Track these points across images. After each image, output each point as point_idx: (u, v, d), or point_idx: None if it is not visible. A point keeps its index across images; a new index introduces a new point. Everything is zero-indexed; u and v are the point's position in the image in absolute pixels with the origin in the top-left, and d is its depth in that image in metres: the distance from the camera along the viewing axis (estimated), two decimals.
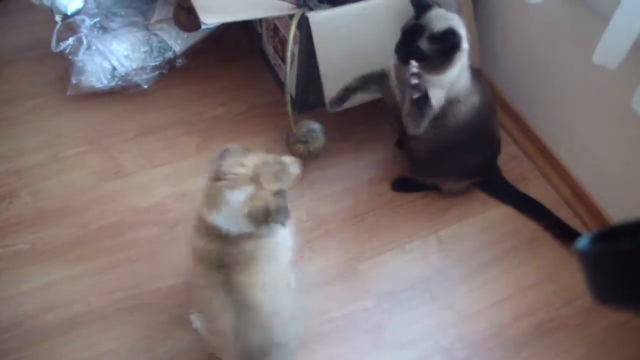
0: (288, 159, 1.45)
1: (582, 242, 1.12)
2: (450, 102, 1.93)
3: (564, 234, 2.16)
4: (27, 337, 1.82)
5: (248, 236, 1.40)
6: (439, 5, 1.89)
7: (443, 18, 1.83)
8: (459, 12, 2.14)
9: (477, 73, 2.04)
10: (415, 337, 1.91)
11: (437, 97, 1.90)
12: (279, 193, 1.37)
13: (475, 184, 2.25)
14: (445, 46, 1.80)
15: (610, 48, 1.73)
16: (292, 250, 1.57)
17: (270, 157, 1.42)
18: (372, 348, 1.88)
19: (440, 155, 2.07)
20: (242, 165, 1.37)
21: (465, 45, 1.84)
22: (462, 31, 1.83)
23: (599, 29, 1.76)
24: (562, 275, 2.07)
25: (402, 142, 2.26)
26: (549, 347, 1.91)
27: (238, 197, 1.35)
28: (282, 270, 1.52)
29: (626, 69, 1.78)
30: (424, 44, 1.80)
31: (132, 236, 2.07)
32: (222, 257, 1.42)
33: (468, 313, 1.97)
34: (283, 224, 1.38)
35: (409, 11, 2.10)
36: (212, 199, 1.38)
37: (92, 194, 2.18)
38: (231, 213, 1.37)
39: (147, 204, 2.16)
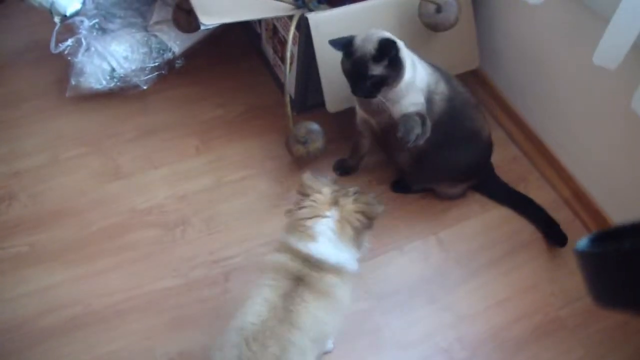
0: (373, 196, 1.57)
1: (582, 243, 1.12)
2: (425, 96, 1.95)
3: (554, 236, 2.16)
4: (26, 339, 1.82)
5: (332, 270, 1.49)
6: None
7: (369, 38, 1.83)
8: (459, 12, 2.14)
9: (437, 66, 2.04)
10: (414, 338, 1.91)
11: (417, 102, 1.91)
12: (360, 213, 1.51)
13: (472, 186, 2.25)
14: (390, 57, 1.81)
15: (610, 49, 1.73)
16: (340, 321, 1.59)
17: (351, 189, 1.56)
18: (372, 349, 1.88)
19: (427, 161, 2.07)
20: (319, 193, 1.52)
21: (401, 45, 1.85)
22: (386, 33, 1.85)
23: (599, 30, 1.76)
24: (560, 277, 2.07)
25: (390, 157, 2.26)
26: (548, 349, 1.91)
27: (327, 225, 1.49)
28: (330, 327, 1.55)
29: (626, 70, 1.78)
30: (376, 70, 1.81)
31: (131, 237, 2.07)
32: (302, 274, 1.48)
33: (467, 314, 1.97)
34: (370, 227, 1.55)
35: (407, 11, 2.11)
36: (302, 229, 1.50)
37: (91, 195, 2.18)
38: (327, 240, 1.49)
39: (146, 206, 2.16)
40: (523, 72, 2.37)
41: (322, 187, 1.56)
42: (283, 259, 1.51)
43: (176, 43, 2.51)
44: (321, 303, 1.48)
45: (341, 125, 2.29)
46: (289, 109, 2.18)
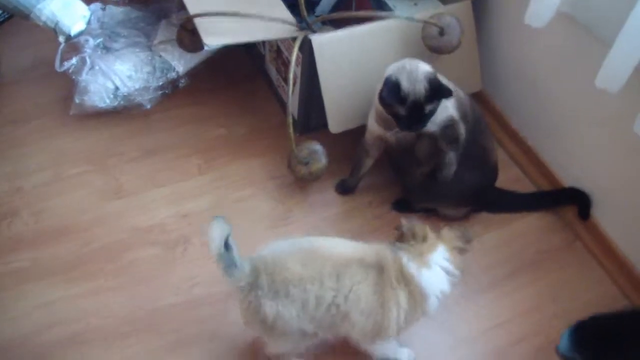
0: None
1: (563, 342, 1.13)
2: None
3: (578, 200, 2.21)
4: (26, 356, 1.82)
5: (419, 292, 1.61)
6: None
7: (413, 78, 1.85)
8: (462, 35, 2.16)
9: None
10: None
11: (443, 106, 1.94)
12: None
13: (480, 208, 2.25)
14: (438, 95, 1.85)
15: (612, 72, 1.74)
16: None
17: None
18: None
19: (435, 183, 2.08)
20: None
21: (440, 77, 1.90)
22: (421, 63, 1.89)
23: (601, 53, 1.77)
24: (562, 298, 2.07)
25: (398, 171, 2.27)
26: None
27: (442, 254, 1.63)
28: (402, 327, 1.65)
29: (628, 93, 1.79)
30: (430, 107, 1.85)
31: (133, 256, 2.07)
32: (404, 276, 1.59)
33: (467, 336, 1.96)
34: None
35: (411, 34, 2.12)
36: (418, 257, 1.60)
37: (93, 213, 2.18)
38: (437, 274, 1.62)
39: (148, 224, 2.16)
40: (525, 95, 2.38)
41: (421, 231, 1.64)
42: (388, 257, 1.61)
43: (180, 63, 2.51)
44: (370, 289, 1.58)
45: (344, 145, 2.29)
46: (291, 129, 2.18)
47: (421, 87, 1.83)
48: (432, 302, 1.63)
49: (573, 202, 2.23)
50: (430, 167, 2.05)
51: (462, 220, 2.24)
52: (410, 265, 1.59)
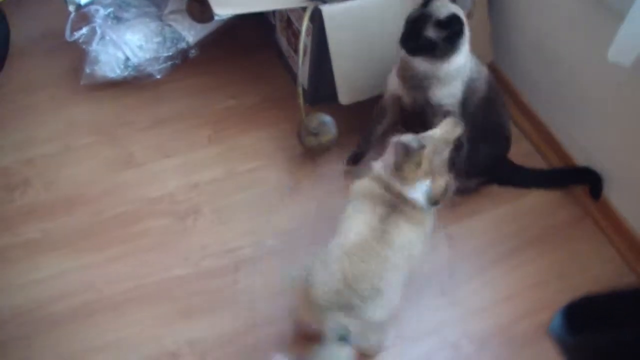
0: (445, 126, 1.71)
1: (555, 324, 1.13)
2: (469, 84, 1.96)
3: (590, 179, 2.21)
4: (37, 325, 1.84)
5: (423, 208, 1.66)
6: None
7: (445, 7, 1.84)
8: (473, 6, 2.14)
9: (478, 61, 2.04)
10: (423, 331, 1.91)
11: (455, 94, 1.93)
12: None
13: (488, 181, 2.25)
14: (451, 32, 1.82)
15: (625, 45, 1.72)
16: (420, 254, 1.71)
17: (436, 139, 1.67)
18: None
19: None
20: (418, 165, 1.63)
21: (467, 31, 1.87)
22: (464, 18, 1.85)
23: (615, 25, 1.75)
24: (569, 273, 2.07)
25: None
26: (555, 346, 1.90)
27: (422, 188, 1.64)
28: (418, 250, 1.69)
29: None
30: (430, 32, 1.81)
31: (143, 226, 2.09)
32: (396, 204, 1.64)
33: (475, 309, 1.97)
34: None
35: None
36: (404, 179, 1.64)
37: (104, 183, 2.19)
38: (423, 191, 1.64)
39: (158, 195, 2.17)
40: (537, 67, 2.36)
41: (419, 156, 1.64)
42: (376, 188, 1.66)
43: (190, 33, 2.50)
44: (413, 229, 1.64)
45: (353, 117, 2.29)
46: (301, 100, 2.18)
47: (443, 11, 1.82)
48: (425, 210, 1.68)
49: (585, 181, 2.23)
50: None
51: (473, 191, 2.24)
52: (397, 185, 1.64)
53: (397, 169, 1.62)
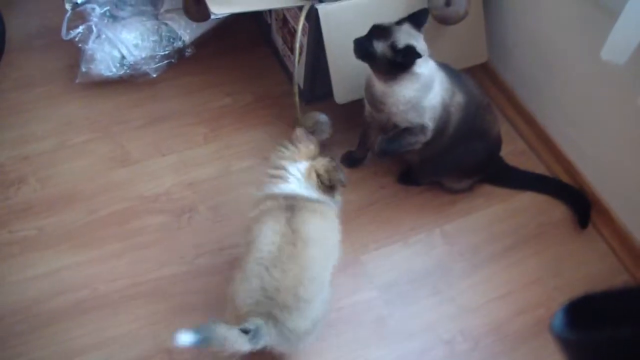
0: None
1: (557, 321, 1.13)
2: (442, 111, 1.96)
3: (580, 204, 2.21)
4: (33, 322, 1.84)
5: (314, 201, 1.66)
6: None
7: (410, 36, 1.84)
8: (468, 5, 2.14)
9: (456, 72, 2.04)
10: (417, 329, 1.92)
11: (415, 121, 1.93)
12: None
13: (483, 180, 2.25)
14: (397, 59, 1.81)
15: (618, 44, 1.72)
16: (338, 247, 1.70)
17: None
18: (375, 339, 1.89)
19: (434, 161, 2.09)
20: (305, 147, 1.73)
21: (420, 68, 1.85)
22: (422, 53, 1.83)
23: (608, 24, 1.75)
24: (564, 271, 2.08)
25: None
26: (550, 343, 1.89)
27: (298, 169, 1.69)
28: (332, 240, 1.68)
29: (634, 65, 1.77)
30: (379, 47, 1.82)
31: (139, 224, 2.09)
32: (292, 204, 1.63)
33: (469, 307, 1.98)
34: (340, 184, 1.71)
35: (417, 4, 2.11)
36: (274, 174, 1.70)
37: (99, 181, 2.19)
38: (296, 180, 1.68)
39: (154, 192, 2.17)
40: (531, 66, 2.36)
41: (309, 144, 1.74)
42: (270, 203, 1.65)
43: (186, 32, 2.51)
44: (317, 217, 1.62)
45: (349, 116, 2.29)
46: (297, 98, 2.18)
47: (402, 37, 1.81)
48: (322, 201, 1.69)
49: (573, 206, 2.23)
50: (424, 151, 2.05)
51: (466, 192, 2.25)
52: (275, 189, 1.68)
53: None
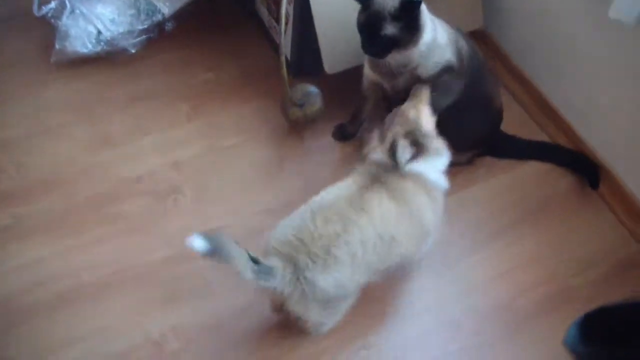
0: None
1: (570, 335, 1.10)
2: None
3: (586, 169, 2.16)
4: (14, 316, 1.78)
5: (412, 178, 1.65)
6: None
7: None
8: None
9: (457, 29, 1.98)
10: (418, 311, 1.87)
11: (440, 60, 1.85)
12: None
13: (482, 152, 2.19)
14: (408, 19, 1.72)
15: (627, 2, 1.65)
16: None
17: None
18: (375, 321, 1.84)
19: (439, 127, 1.99)
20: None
21: (423, 7, 1.77)
22: None
23: None
24: (570, 245, 2.03)
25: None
26: (560, 320, 1.81)
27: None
28: (401, 233, 1.62)
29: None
30: (388, 29, 1.72)
31: (122, 208, 2.03)
32: (381, 175, 1.63)
33: (473, 286, 1.93)
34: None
35: None
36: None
37: (79, 165, 2.13)
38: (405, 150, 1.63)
39: (136, 174, 2.11)
40: (531, 30, 2.30)
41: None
42: (362, 168, 1.68)
43: (166, 4, 2.43)
44: (393, 204, 1.59)
45: (340, 87, 2.22)
46: (284, 70, 2.11)
47: (390, 2, 1.71)
48: (425, 177, 1.67)
49: (580, 170, 2.18)
50: None
51: (467, 164, 2.18)
52: (381, 155, 1.67)
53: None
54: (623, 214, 2.08)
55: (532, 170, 2.20)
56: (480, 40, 2.44)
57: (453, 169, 2.13)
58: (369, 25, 1.75)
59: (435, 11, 2.07)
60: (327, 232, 1.50)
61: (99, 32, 2.33)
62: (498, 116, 2.12)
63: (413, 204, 1.63)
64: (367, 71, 1.99)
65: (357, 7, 1.98)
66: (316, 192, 2.03)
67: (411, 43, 1.77)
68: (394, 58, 1.81)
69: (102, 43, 2.35)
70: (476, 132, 2.08)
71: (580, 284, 1.93)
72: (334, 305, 1.61)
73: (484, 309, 1.88)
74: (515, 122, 2.30)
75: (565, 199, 2.14)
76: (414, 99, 1.73)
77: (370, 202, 1.56)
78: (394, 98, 1.97)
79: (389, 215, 1.58)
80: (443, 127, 1.96)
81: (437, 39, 1.83)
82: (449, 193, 2.08)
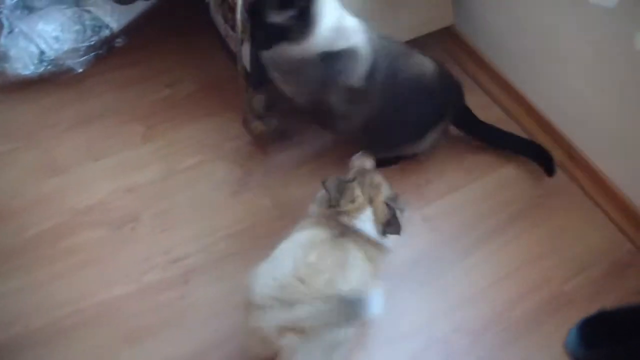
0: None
1: (570, 339, 1.07)
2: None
3: (542, 157, 2.09)
4: None
5: (371, 242, 1.58)
6: None
7: None
8: None
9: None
10: (406, 330, 1.77)
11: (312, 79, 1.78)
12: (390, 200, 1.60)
13: (446, 125, 2.07)
14: (298, 7, 1.61)
15: None
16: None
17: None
18: (359, 348, 1.70)
19: (379, 127, 1.91)
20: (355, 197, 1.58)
21: None
22: None
23: None
24: (561, 246, 1.96)
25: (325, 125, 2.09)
26: (559, 326, 1.77)
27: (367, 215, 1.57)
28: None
29: (627, 8, 1.65)
30: (274, 17, 1.61)
31: (74, 241, 1.91)
32: (344, 232, 1.55)
33: (463, 298, 1.84)
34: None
35: None
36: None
37: (26, 196, 2.01)
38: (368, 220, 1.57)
39: (89, 203, 2.00)
40: (504, 25, 2.24)
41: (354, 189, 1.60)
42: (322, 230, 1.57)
43: (113, 18, 2.37)
44: (363, 259, 1.54)
45: None
46: (244, 82, 2.02)
47: None
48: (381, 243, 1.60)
49: (536, 158, 2.11)
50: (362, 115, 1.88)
51: (430, 151, 2.09)
52: (344, 219, 1.57)
53: (335, 205, 1.56)
54: (612, 212, 2.02)
55: (514, 171, 2.14)
56: (451, 39, 2.43)
57: (430, 177, 2.10)
58: (255, 12, 1.64)
59: (403, 8, 2.00)
60: (325, 265, 1.47)
61: (42, 52, 2.24)
62: (438, 83, 1.96)
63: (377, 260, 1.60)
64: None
65: None
66: (285, 211, 1.96)
67: (303, 36, 1.66)
68: (293, 51, 1.69)
69: (45, 63, 2.25)
70: (421, 113, 1.95)
71: (575, 287, 1.86)
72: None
73: (477, 322, 1.79)
74: (493, 120, 2.19)
75: (551, 198, 2.09)
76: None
77: (347, 250, 1.52)
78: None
79: (363, 265, 1.55)
80: (387, 124, 1.89)
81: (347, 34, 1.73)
82: (428, 200, 2.05)
